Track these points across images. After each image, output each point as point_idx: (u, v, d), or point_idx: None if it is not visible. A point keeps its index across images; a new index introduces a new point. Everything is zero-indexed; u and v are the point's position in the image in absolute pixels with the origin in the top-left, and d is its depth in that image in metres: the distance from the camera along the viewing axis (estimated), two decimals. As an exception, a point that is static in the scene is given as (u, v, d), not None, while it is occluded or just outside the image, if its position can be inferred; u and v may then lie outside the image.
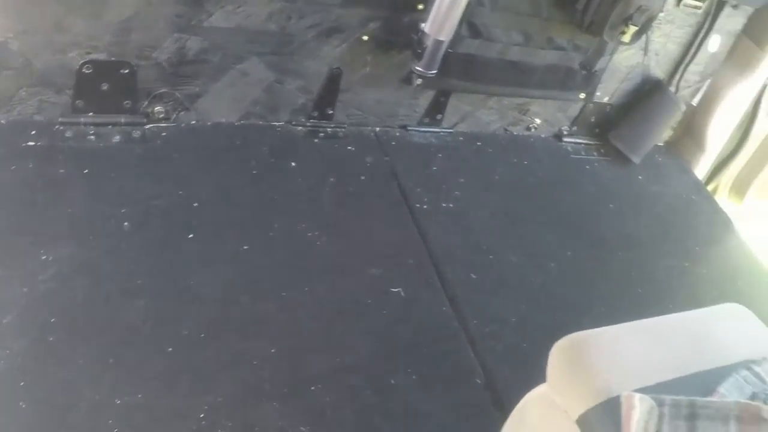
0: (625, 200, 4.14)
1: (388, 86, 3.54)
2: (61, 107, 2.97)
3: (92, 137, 2.97)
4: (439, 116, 3.79)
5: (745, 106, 4.59)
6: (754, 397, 2.01)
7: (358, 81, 3.45)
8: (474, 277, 3.15)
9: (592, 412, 1.82)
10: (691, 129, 4.77)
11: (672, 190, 4.47)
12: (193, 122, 3.21)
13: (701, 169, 4.81)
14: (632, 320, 2.17)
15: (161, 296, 2.55)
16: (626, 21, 3.53)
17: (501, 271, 3.25)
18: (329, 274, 2.88)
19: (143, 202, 2.81)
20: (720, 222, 4.49)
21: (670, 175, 4.59)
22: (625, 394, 1.76)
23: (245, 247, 2.82)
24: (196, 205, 2.89)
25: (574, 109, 4.24)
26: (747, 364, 2.15)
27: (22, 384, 2.16)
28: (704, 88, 4.63)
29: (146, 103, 3.10)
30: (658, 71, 4.38)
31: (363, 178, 3.34)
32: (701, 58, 4.41)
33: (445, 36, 3.25)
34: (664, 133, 4.69)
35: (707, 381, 2.03)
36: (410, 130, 3.74)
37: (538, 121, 4.15)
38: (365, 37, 3.32)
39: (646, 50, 4.09)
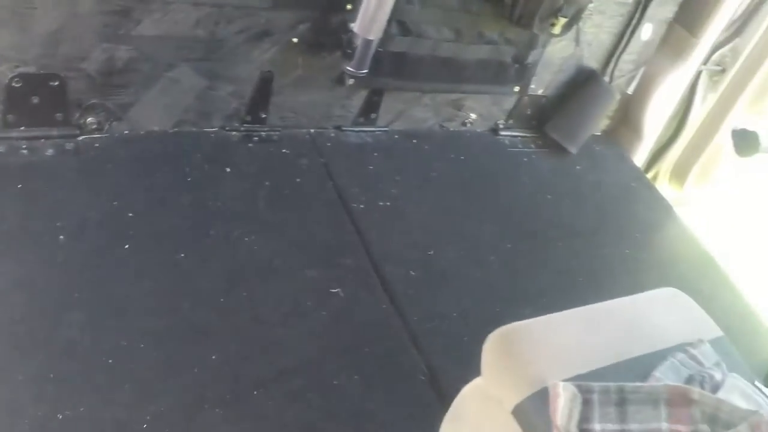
0: (563, 190, 4.17)
1: (320, 87, 3.53)
2: None
3: (25, 151, 2.93)
4: (373, 115, 3.79)
5: (680, 93, 4.63)
6: (690, 379, 2.03)
7: (290, 83, 3.44)
8: (413, 274, 3.16)
9: (527, 402, 1.83)
10: (628, 117, 4.81)
11: (611, 178, 4.51)
12: (126, 132, 3.18)
13: (640, 156, 4.85)
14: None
15: (99, 308, 2.52)
16: (556, 13, 3.56)
17: (440, 267, 3.26)
18: (267, 277, 2.87)
19: (78, 215, 2.78)
20: (660, 208, 4.54)
21: (608, 164, 4.62)
22: (550, 383, 1.77)
23: (182, 255, 2.80)
24: (131, 215, 2.86)
25: (509, 103, 4.25)
26: (683, 347, 2.17)
27: (-39, 404, 2.14)
28: (638, 76, 4.67)
29: (78, 114, 3.06)
30: (592, 61, 4.41)
31: (299, 180, 3.33)
32: (634, 46, 4.45)
33: (375, 35, 3.25)
34: (601, 123, 4.73)
35: (643, 366, 2.05)
36: (345, 130, 3.74)
37: (473, 116, 4.15)
38: (295, 40, 3.31)
39: (577, 41, 4.12)
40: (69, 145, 3.03)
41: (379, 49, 3.38)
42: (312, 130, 3.62)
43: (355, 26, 3.25)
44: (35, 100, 2.94)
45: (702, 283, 3.94)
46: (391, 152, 3.77)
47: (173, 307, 2.64)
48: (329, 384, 2.62)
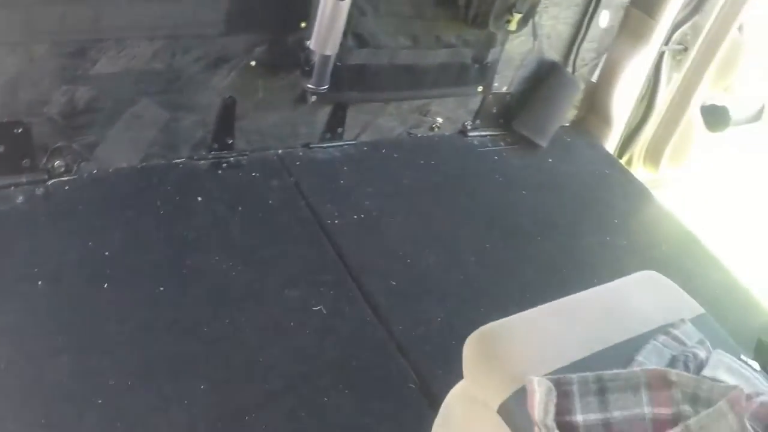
0: (537, 185, 4.18)
1: (283, 107, 3.54)
2: None
3: (-5, 201, 2.94)
4: (339, 129, 3.79)
5: (644, 75, 4.65)
6: (674, 360, 2.03)
7: (253, 107, 3.44)
8: (394, 283, 3.16)
9: (511, 400, 1.83)
10: (595, 105, 4.83)
11: (583, 167, 4.52)
12: (95, 171, 3.17)
13: (611, 142, 4.87)
14: (559, 302, 2.21)
15: (84, 349, 2.52)
16: (510, 10, 3.58)
17: (420, 274, 3.27)
18: (248, 302, 2.87)
19: (54, 259, 2.78)
20: (636, 192, 4.55)
21: (579, 153, 4.64)
22: (527, 380, 1.78)
23: (161, 289, 2.80)
24: (107, 253, 2.86)
25: (475, 103, 4.25)
26: (665, 329, 2.18)
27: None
28: (601, 63, 4.69)
29: (45, 159, 3.05)
30: (553, 53, 4.43)
31: (271, 202, 3.34)
32: (593, 34, 4.47)
33: (331, 50, 3.26)
34: (568, 113, 4.74)
35: (625, 352, 2.05)
36: (313, 147, 3.73)
37: (440, 120, 4.16)
38: (253, 63, 3.31)
39: (535, 35, 4.12)
40: (39, 191, 3.03)
41: (338, 64, 3.39)
42: (280, 151, 3.62)
43: (311, 43, 3.25)
44: (1, 148, 2.93)
45: (685, 262, 3.96)
46: (360, 165, 3.77)
47: (158, 341, 2.63)
48: (320, 401, 2.62)
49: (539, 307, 2.17)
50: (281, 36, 3.32)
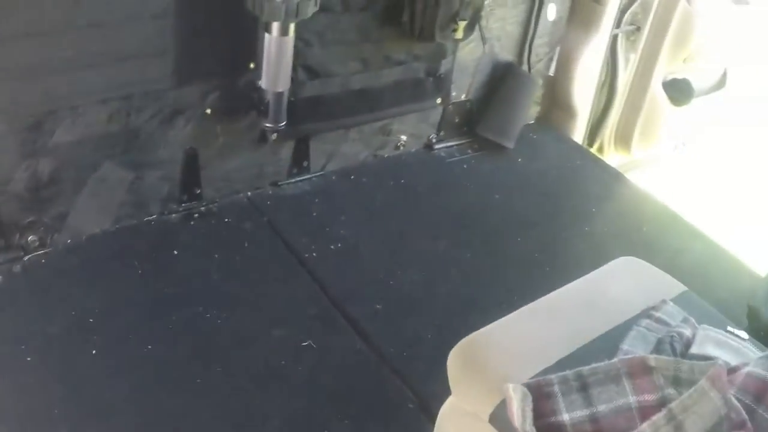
0: (510, 186, 4.18)
1: (246, 150, 3.54)
2: None
3: (-26, 284, 2.94)
4: (305, 163, 3.79)
5: (600, 62, 4.66)
6: (659, 342, 2.04)
7: (216, 154, 3.45)
8: (379, 307, 3.16)
9: (501, 409, 1.84)
10: (557, 98, 4.84)
11: (554, 162, 4.53)
12: (69, 241, 3.17)
13: (578, 133, 4.88)
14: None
15: (82, 418, 2.52)
16: (454, 18, 3.58)
17: (404, 294, 3.27)
18: (237, 348, 2.87)
19: (40, 333, 2.78)
20: (610, 178, 4.57)
21: (548, 149, 4.65)
22: (504, 388, 1.78)
23: (149, 347, 2.80)
24: (91, 320, 2.86)
25: (436, 116, 4.26)
26: (647, 313, 2.19)
27: None
28: (556, 56, 4.70)
29: (18, 236, 3.05)
30: (506, 54, 4.44)
31: (247, 245, 3.34)
32: (543, 29, 4.49)
33: (283, 86, 3.28)
34: (531, 111, 4.75)
35: (610, 342, 2.06)
36: (281, 184, 3.74)
37: (404, 137, 4.16)
38: (208, 111, 3.32)
39: (484, 40, 4.13)
40: (16, 268, 3.03)
41: (292, 99, 3.40)
42: (249, 193, 3.63)
43: (262, 83, 3.27)
44: None
45: (668, 240, 3.97)
46: (331, 194, 3.77)
47: (153, 400, 2.63)
48: (322, 436, 2.62)
49: (518, 310, 2.18)
50: (232, 80, 3.33)
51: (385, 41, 3.67)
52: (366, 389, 2.83)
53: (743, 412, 1.68)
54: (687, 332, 2.09)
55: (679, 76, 5.00)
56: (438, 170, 4.19)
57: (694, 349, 2.02)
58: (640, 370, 1.75)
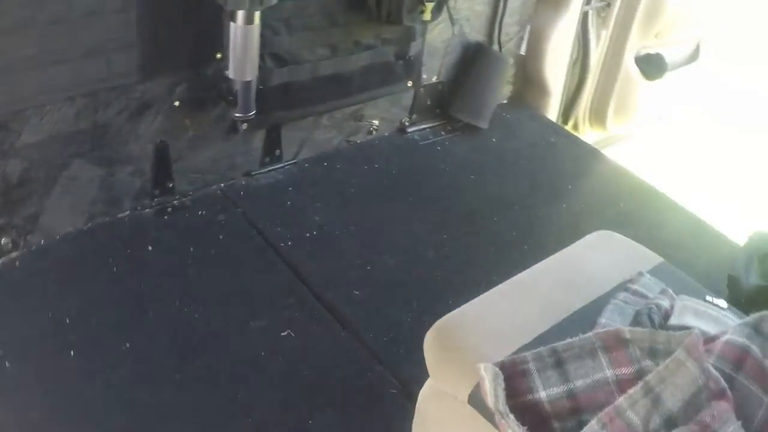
0: (485, 167, 4.18)
1: (216, 141, 3.52)
2: None
3: (-52, 292, 2.91)
4: (277, 152, 3.77)
5: (571, 39, 4.66)
6: (638, 315, 2.03)
7: (186, 146, 3.42)
8: (357, 293, 3.15)
9: (479, 390, 1.82)
10: (529, 77, 4.83)
11: (528, 140, 4.52)
12: (42, 242, 3.15)
13: (552, 111, 4.88)
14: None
15: (64, 421, 2.51)
16: (421, 0, 3.55)
17: (382, 278, 3.27)
18: (215, 341, 2.85)
19: (17, 337, 2.76)
20: (585, 155, 4.57)
21: (522, 127, 4.64)
22: (476, 368, 1.77)
23: (127, 345, 2.78)
24: (68, 321, 2.83)
25: (408, 99, 4.24)
26: (624, 286, 2.18)
27: None
28: (526, 35, 4.69)
29: None
30: (476, 35, 4.42)
31: (221, 237, 3.32)
32: (513, 8, 4.47)
33: (251, 75, 3.25)
34: (503, 90, 4.74)
35: (587, 317, 2.05)
36: (254, 174, 3.72)
37: (376, 122, 4.14)
38: (177, 103, 3.29)
39: (452, 21, 4.11)
40: None
41: (261, 87, 3.37)
42: (222, 185, 3.60)
43: (229, 72, 3.24)
44: None
45: (645, 214, 3.97)
46: (305, 182, 3.76)
47: (134, 397, 2.61)
48: (306, 426, 2.62)
49: (493, 289, 2.17)
50: (199, 71, 3.30)
51: (353, 26, 3.64)
52: (347, 377, 2.82)
53: (722, 381, 1.67)
54: (665, 303, 2.08)
55: (652, 51, 5.00)
56: (412, 153, 4.17)
57: (672, 321, 2.01)
58: (615, 343, 1.73)
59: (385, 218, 3.62)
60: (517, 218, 3.78)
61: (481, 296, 2.13)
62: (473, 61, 4.41)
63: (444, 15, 3.88)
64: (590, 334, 1.78)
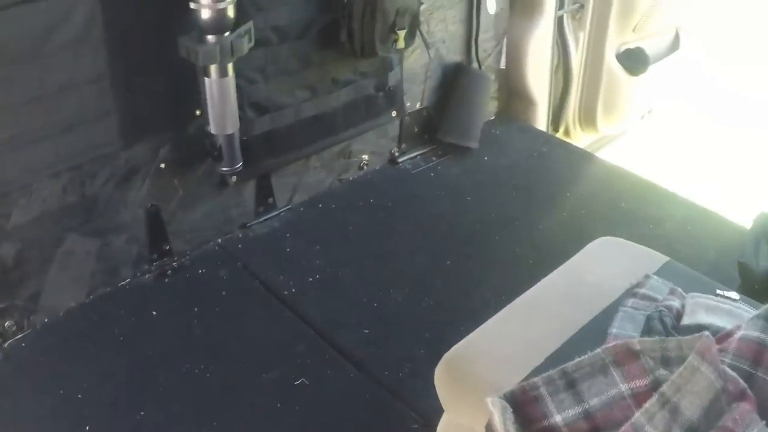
0: (480, 186, 4.15)
1: (207, 197, 3.50)
2: None
3: (-45, 376, 2.89)
4: (270, 200, 3.76)
5: (550, 46, 4.65)
6: (649, 320, 2.00)
7: (178, 207, 3.41)
8: (367, 332, 3.13)
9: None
10: (513, 89, 4.82)
11: (520, 154, 4.50)
12: (46, 320, 3.13)
13: (541, 120, 4.87)
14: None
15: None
16: (392, 29, 3.55)
17: (390, 313, 3.24)
18: (230, 399, 2.83)
19: (30, 417, 2.75)
20: (580, 160, 4.55)
21: (512, 142, 4.62)
22: (484, 402, 1.73)
23: (142, 414, 2.76)
24: (80, 396, 2.82)
25: (394, 129, 4.22)
26: (631, 291, 2.15)
27: None
28: (504, 48, 4.67)
29: None
30: (453, 55, 4.41)
31: (224, 293, 3.30)
32: (486, 24, 4.46)
33: (232, 128, 3.25)
34: (488, 107, 4.71)
35: (598, 328, 2.02)
36: (250, 225, 3.70)
37: (365, 157, 4.12)
38: (162, 165, 3.28)
39: (427, 45, 4.10)
40: None
41: (244, 138, 3.37)
42: (219, 240, 3.59)
43: (210, 128, 3.23)
44: None
45: (649, 211, 3.94)
46: (301, 227, 3.74)
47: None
48: (332, 474, 2.58)
49: (498, 314, 2.14)
50: (181, 130, 3.30)
51: (328, 64, 3.64)
52: (368, 417, 2.79)
53: (741, 381, 1.63)
54: (676, 304, 2.05)
55: (632, 46, 4.99)
56: (405, 183, 4.15)
57: (685, 320, 1.98)
58: (626, 356, 1.70)
59: (386, 252, 3.59)
60: (518, 234, 3.75)
61: (487, 322, 2.10)
62: (454, 82, 4.40)
63: (418, 40, 3.88)
64: (599, 350, 1.74)
